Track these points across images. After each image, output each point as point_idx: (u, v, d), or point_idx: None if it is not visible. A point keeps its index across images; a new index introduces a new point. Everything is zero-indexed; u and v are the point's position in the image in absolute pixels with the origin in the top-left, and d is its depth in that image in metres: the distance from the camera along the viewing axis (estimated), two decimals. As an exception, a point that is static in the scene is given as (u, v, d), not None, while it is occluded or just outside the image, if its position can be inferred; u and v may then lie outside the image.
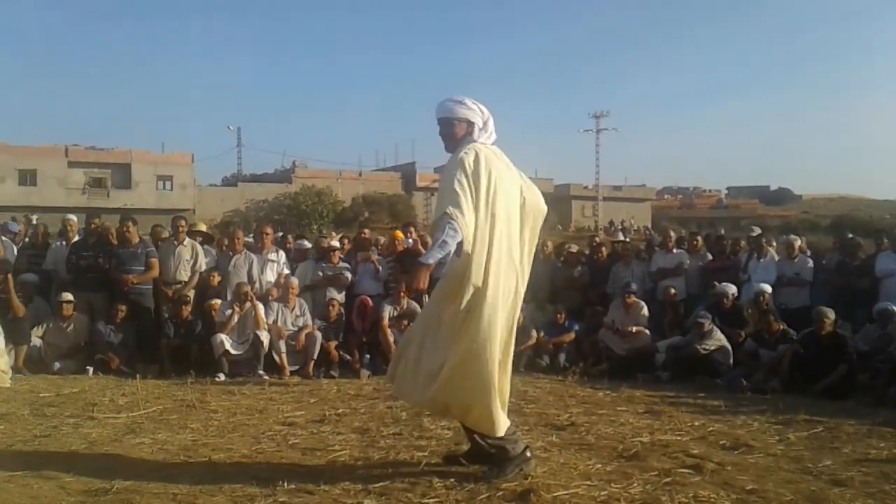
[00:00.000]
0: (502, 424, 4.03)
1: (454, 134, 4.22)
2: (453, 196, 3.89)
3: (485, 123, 4.24)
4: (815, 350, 7.70)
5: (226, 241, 10.38)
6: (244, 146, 60.83)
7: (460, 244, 3.86)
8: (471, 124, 4.21)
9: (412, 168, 57.97)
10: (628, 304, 9.32)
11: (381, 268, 9.83)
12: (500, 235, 4.00)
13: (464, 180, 3.93)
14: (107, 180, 48.30)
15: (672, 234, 11.03)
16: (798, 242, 10.18)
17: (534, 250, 4.33)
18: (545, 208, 4.38)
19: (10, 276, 8.45)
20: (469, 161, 3.99)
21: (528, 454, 4.15)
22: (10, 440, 5.08)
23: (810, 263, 9.80)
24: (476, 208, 3.93)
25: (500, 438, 4.09)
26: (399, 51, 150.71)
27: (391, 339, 8.82)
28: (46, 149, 46.99)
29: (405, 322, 8.94)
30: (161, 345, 8.80)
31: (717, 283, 9.47)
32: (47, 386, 7.39)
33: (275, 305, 8.99)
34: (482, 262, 3.95)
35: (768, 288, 9.06)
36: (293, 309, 9.01)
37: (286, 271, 9.58)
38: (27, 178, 45.03)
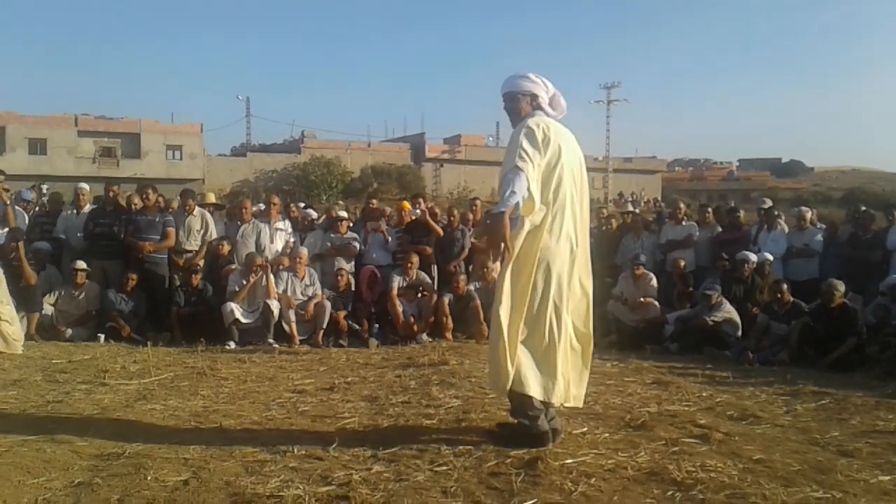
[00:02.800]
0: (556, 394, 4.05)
1: (519, 108, 4.22)
2: (522, 153, 3.88)
3: (551, 98, 4.24)
4: (825, 322, 7.69)
5: (234, 211, 10.39)
6: (253, 116, 60.80)
7: (530, 196, 3.86)
8: (535, 97, 4.21)
9: (421, 139, 57.75)
10: (637, 275, 9.31)
11: (390, 238, 9.84)
12: (560, 208, 4.03)
13: (530, 144, 3.92)
14: (116, 150, 48.34)
15: (682, 205, 10.97)
16: (809, 214, 10.15)
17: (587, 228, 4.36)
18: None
19: (21, 244, 8.49)
20: (537, 129, 3.99)
21: (548, 441, 4.07)
22: (24, 405, 5.14)
23: (820, 235, 9.77)
24: (547, 176, 3.98)
25: (523, 413, 4.11)
26: (409, 23, 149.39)
27: (399, 309, 8.86)
28: (56, 118, 47.01)
29: (414, 292, 8.97)
30: (171, 313, 8.85)
31: (724, 255, 9.47)
32: (59, 353, 7.46)
33: (285, 275, 9.02)
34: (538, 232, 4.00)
35: (769, 257, 9.18)
36: (303, 279, 9.05)
37: (293, 240, 9.62)
38: (37, 147, 45.10)
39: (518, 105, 4.24)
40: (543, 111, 4.20)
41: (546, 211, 4.00)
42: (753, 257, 9.22)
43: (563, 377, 4.08)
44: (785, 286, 8.35)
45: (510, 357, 3.97)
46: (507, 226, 3.82)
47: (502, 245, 3.81)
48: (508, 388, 4.02)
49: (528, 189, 3.82)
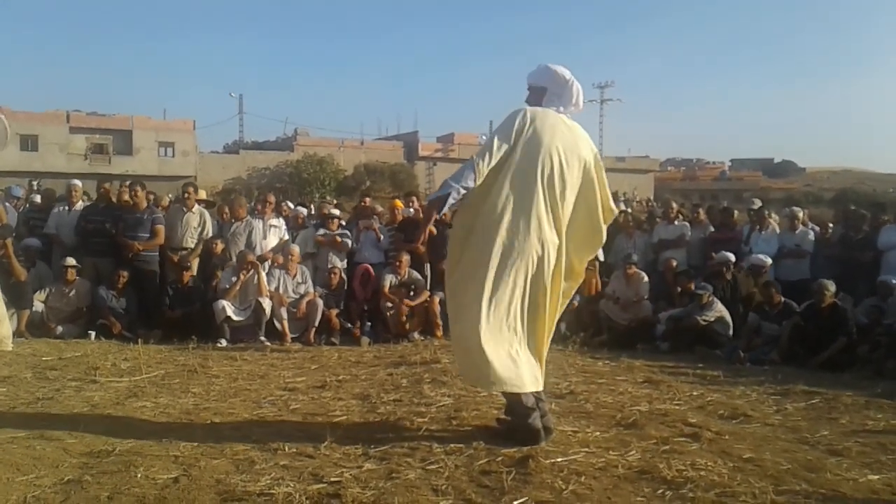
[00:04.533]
0: (492, 381, 4.03)
1: (531, 99, 4.31)
2: (485, 147, 3.99)
3: (562, 90, 4.24)
4: (815, 322, 7.72)
5: (226, 209, 10.35)
6: (246, 113, 60.49)
7: (473, 188, 3.94)
8: (543, 90, 4.25)
9: (414, 137, 57.69)
10: (629, 274, 9.33)
11: (382, 236, 9.83)
12: (524, 198, 4.00)
13: (498, 137, 4.00)
14: (108, 146, 48.07)
15: (674, 205, 11.00)
16: (801, 214, 10.20)
17: (595, 230, 4.37)
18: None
19: (9, 241, 8.44)
20: (514, 119, 4.04)
21: (540, 439, 4.07)
22: (13, 402, 5.11)
23: (811, 235, 9.82)
24: (506, 166, 3.99)
25: (514, 410, 4.13)
26: (403, 21, 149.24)
27: (393, 307, 8.85)
28: (48, 114, 46.72)
29: (405, 291, 8.96)
30: (161, 312, 8.82)
31: (714, 255, 9.52)
32: (50, 350, 7.42)
33: (276, 272, 9.01)
34: (491, 221, 4.00)
35: (768, 260, 9.17)
36: (294, 276, 9.03)
37: (286, 237, 9.61)
38: (29, 143, 44.79)
39: (531, 96, 4.33)
40: (546, 104, 4.23)
41: (509, 202, 4.00)
42: (732, 258, 9.27)
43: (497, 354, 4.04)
44: (774, 288, 8.38)
45: (488, 351, 3.97)
46: (431, 214, 4.06)
47: (423, 232, 4.05)
48: (492, 385, 4.04)
49: (474, 180, 3.92)
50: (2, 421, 4.52)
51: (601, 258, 9.37)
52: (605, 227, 4.45)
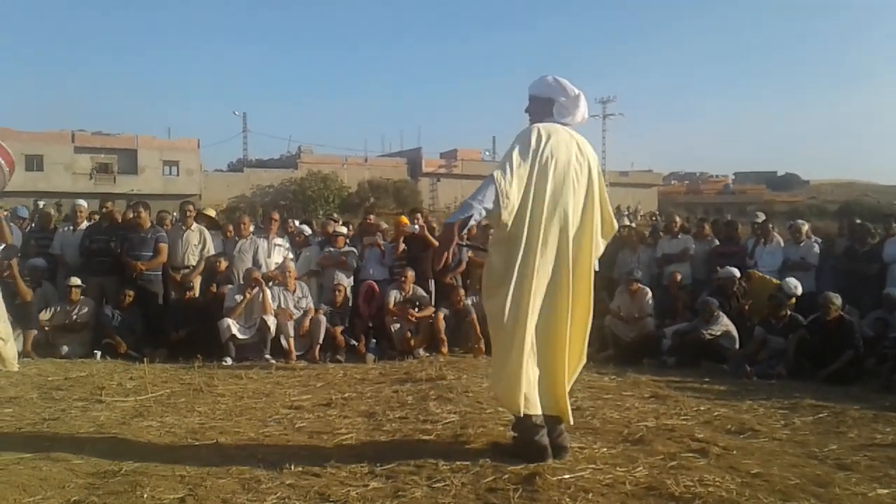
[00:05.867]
0: (517, 404, 4.03)
1: (533, 110, 4.28)
2: (505, 163, 3.94)
3: (571, 103, 4.21)
4: (822, 335, 7.70)
5: (230, 228, 10.39)
6: (250, 132, 60.85)
7: (495, 210, 3.87)
8: (550, 102, 4.22)
9: (418, 154, 57.93)
10: (633, 291, 9.32)
11: (386, 253, 9.84)
12: (544, 220, 3.97)
13: (518, 154, 3.95)
14: (113, 165, 48.36)
15: (677, 219, 11.00)
16: (805, 227, 10.18)
17: (596, 243, 4.28)
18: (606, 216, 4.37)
19: (15, 261, 8.48)
20: (531, 137, 4.00)
21: (547, 456, 4.04)
22: (19, 423, 5.11)
23: (816, 248, 9.81)
24: (528, 186, 3.95)
25: (521, 428, 4.12)
26: (406, 38, 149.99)
27: (397, 326, 8.85)
28: (53, 134, 47.03)
29: (410, 308, 8.97)
30: (166, 331, 8.83)
31: (719, 269, 9.49)
32: (55, 370, 7.43)
33: (275, 290, 9.02)
34: (520, 241, 3.97)
35: (798, 289, 8.77)
36: (294, 292, 9.04)
37: (290, 255, 9.63)
38: (34, 163, 45.03)
39: (532, 107, 4.30)
40: (554, 116, 4.21)
41: (528, 223, 3.97)
42: (737, 273, 9.26)
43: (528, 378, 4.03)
44: (783, 300, 8.36)
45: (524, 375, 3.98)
46: (454, 237, 3.94)
47: (444, 255, 3.98)
48: (521, 409, 4.00)
49: (496, 201, 3.85)
50: (8, 442, 4.52)
51: (596, 268, 9.36)
52: (603, 241, 4.39)
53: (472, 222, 3.92)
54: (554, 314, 4.04)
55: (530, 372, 4.00)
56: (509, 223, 3.95)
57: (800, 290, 8.71)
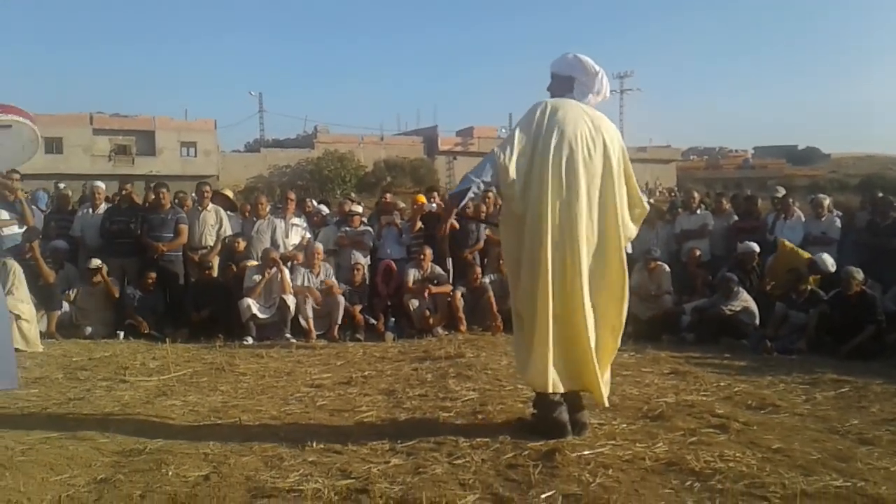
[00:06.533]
0: (537, 381, 4.05)
1: (554, 88, 4.30)
2: (506, 139, 4.01)
3: (591, 80, 4.21)
4: (843, 310, 7.63)
5: (248, 207, 10.45)
6: (266, 112, 60.82)
7: (492, 183, 3.96)
8: (571, 80, 4.22)
9: (434, 132, 57.71)
10: (651, 268, 9.26)
11: (404, 232, 9.85)
12: (550, 196, 3.96)
13: (520, 130, 4.02)
14: (131, 147, 48.61)
15: (696, 195, 10.91)
16: (826, 201, 10.06)
17: (623, 224, 4.22)
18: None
19: (36, 243, 8.57)
20: (535, 113, 4.04)
21: (566, 433, 4.06)
22: (45, 403, 5.19)
23: (837, 222, 9.69)
24: (531, 161, 3.97)
25: (540, 405, 4.14)
26: (420, 16, 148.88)
27: (415, 304, 8.88)
28: (71, 117, 47.25)
29: (428, 286, 8.98)
30: (187, 311, 8.91)
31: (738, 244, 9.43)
32: (80, 350, 7.53)
33: (301, 270, 9.06)
34: (529, 219, 3.99)
35: (832, 266, 8.63)
36: (318, 274, 9.07)
37: (308, 235, 9.66)
38: (53, 146, 45.30)
39: (554, 85, 4.31)
40: (574, 95, 4.20)
41: (535, 199, 3.98)
42: (756, 248, 9.18)
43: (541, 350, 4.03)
44: (803, 274, 8.30)
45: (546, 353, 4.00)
46: (451, 209, 4.13)
47: (444, 224, 4.24)
48: (549, 387, 4.01)
49: (494, 175, 3.94)
50: (35, 421, 4.60)
51: (629, 250, 9.31)
52: (633, 224, 4.33)
53: (470, 194, 4.02)
54: (569, 289, 4.02)
55: (551, 350, 3.99)
56: (515, 197, 3.97)
57: (834, 268, 8.54)
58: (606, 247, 4.12)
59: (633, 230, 4.34)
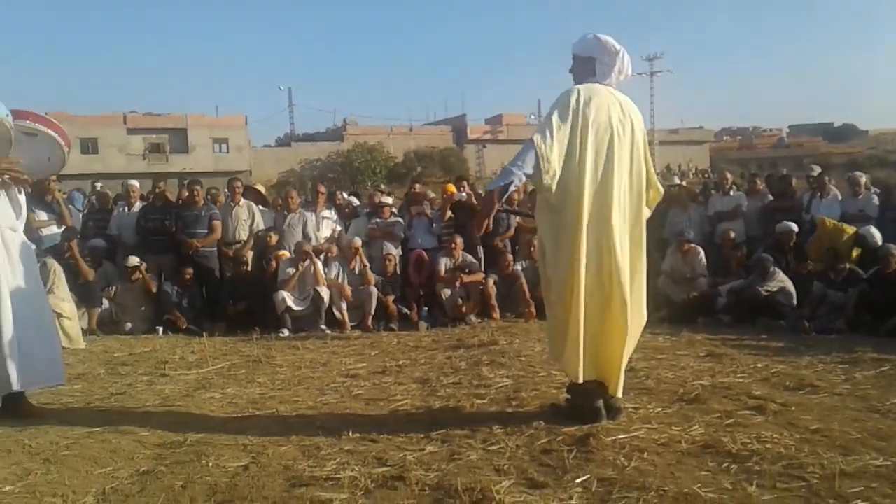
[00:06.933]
0: (570, 370, 4.06)
1: (576, 70, 4.24)
2: (544, 127, 3.90)
3: (613, 61, 4.15)
4: (882, 289, 7.50)
5: (279, 201, 10.55)
6: (295, 106, 61.21)
7: (536, 175, 3.86)
8: (592, 60, 4.17)
9: (462, 120, 57.66)
10: (685, 250, 9.18)
11: (434, 221, 9.87)
12: (587, 184, 3.91)
13: (558, 116, 3.91)
14: (165, 145, 49.32)
15: (728, 176, 10.77)
16: (863, 179, 9.88)
17: (642, 198, 4.16)
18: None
19: (75, 242, 8.75)
20: (569, 98, 3.96)
21: (600, 418, 4.05)
22: (88, 398, 5.31)
23: (875, 199, 9.52)
24: (570, 149, 3.91)
25: (574, 391, 4.14)
26: (449, 3, 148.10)
27: (448, 293, 8.90)
28: (106, 117, 48.09)
29: (460, 274, 9.00)
30: (223, 305, 9.03)
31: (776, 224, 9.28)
32: (120, 346, 7.68)
33: (335, 263, 9.12)
34: (567, 209, 3.94)
35: (878, 236, 8.59)
36: (354, 268, 9.11)
37: (339, 227, 9.73)
38: (89, 146, 46.16)
39: (576, 67, 4.24)
40: (596, 77, 4.15)
41: (573, 189, 3.92)
42: (795, 227, 9.04)
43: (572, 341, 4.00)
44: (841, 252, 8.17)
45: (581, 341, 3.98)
46: (494, 204, 3.92)
47: (485, 222, 3.96)
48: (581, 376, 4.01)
49: (536, 166, 3.82)
50: (78, 416, 4.70)
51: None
52: (647, 209, 4.24)
53: (512, 188, 3.94)
54: (606, 280, 3.98)
55: (586, 338, 3.98)
56: (553, 187, 3.90)
57: (880, 239, 8.45)
58: (635, 233, 4.10)
59: (647, 213, 4.28)
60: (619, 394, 4.16)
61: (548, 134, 3.85)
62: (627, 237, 4.05)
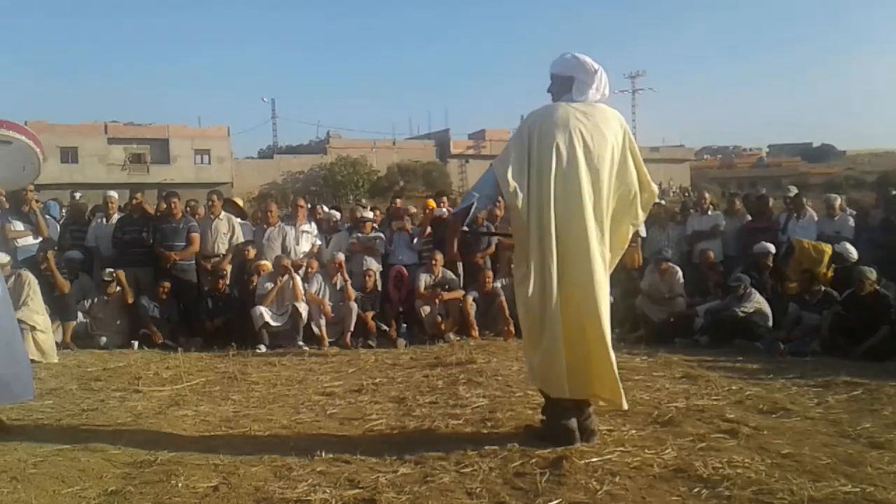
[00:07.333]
0: (552, 387, 4.07)
1: (554, 89, 4.30)
2: (502, 152, 4.06)
3: (591, 79, 4.19)
4: (857, 311, 7.57)
5: (259, 214, 10.51)
6: (279, 118, 61.11)
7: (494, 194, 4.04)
8: (570, 79, 4.22)
9: (446, 135, 57.79)
10: (663, 269, 9.23)
11: (415, 237, 9.87)
12: (554, 202, 3.95)
13: (517, 139, 4.06)
14: (146, 156, 48.98)
15: (707, 195, 10.87)
16: (838, 201, 10.02)
17: (630, 207, 4.21)
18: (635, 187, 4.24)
19: (51, 254, 8.65)
20: (529, 120, 4.08)
21: (574, 440, 4.04)
22: (59, 414, 5.25)
23: (851, 221, 9.64)
24: (531, 169, 3.99)
25: (549, 412, 4.15)
26: (429, 20, 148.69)
27: (427, 310, 8.89)
28: (86, 126, 47.70)
29: (440, 291, 9.00)
30: (202, 324, 8.96)
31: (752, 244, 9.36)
32: (94, 360, 7.60)
33: (318, 277, 9.09)
34: (534, 226, 4.00)
35: (853, 254, 8.68)
36: (336, 283, 9.08)
37: (319, 242, 9.70)
38: (69, 155, 45.74)
39: (552, 86, 4.31)
40: (573, 95, 4.19)
41: (538, 207, 3.98)
42: (772, 248, 9.12)
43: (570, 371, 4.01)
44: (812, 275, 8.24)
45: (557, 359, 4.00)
46: (456, 228, 4.23)
47: (452, 245, 4.31)
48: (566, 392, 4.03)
49: (494, 187, 4.01)
50: (48, 433, 4.65)
51: (643, 234, 9.26)
52: (642, 208, 4.28)
53: (473, 211, 4.12)
54: (580, 295, 3.99)
55: (561, 356, 3.98)
56: (518, 204, 3.98)
57: (856, 256, 8.57)
58: (614, 241, 4.17)
59: (641, 216, 4.32)
60: (625, 405, 4.18)
61: (505, 155, 4.04)
62: (604, 244, 4.07)
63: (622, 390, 4.12)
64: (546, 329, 3.99)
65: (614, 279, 4.27)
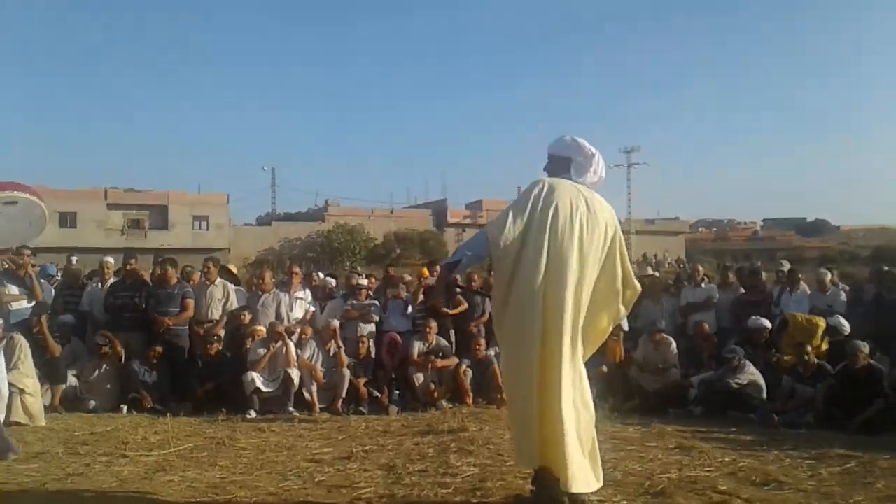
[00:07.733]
0: (523, 459, 4.03)
1: (551, 169, 4.39)
2: (497, 219, 4.14)
3: (589, 162, 4.31)
4: (850, 384, 7.56)
5: (255, 281, 10.55)
6: (278, 186, 61.73)
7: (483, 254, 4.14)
8: (568, 161, 4.33)
9: (443, 204, 58.41)
10: (656, 340, 9.24)
11: (409, 304, 9.90)
12: (543, 273, 3.97)
13: (513, 209, 4.12)
14: (145, 221, 49.35)
15: (700, 268, 10.96)
16: (828, 276, 10.11)
17: (613, 301, 4.24)
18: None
19: (44, 318, 8.64)
20: (531, 190, 4.15)
21: None
22: (44, 479, 5.16)
23: (843, 296, 9.71)
24: (525, 238, 4.03)
25: (537, 482, 4.10)
26: (427, 90, 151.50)
27: (420, 377, 8.86)
28: (86, 192, 48.17)
29: (433, 358, 8.98)
30: (193, 389, 8.89)
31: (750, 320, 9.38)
32: (82, 424, 7.51)
33: (312, 343, 9.07)
34: (506, 294, 4.06)
35: (846, 327, 8.79)
36: (329, 350, 9.06)
37: (313, 309, 9.72)
38: (67, 220, 46.04)
39: (551, 167, 4.39)
40: (571, 176, 4.27)
41: (526, 277, 4.00)
42: (767, 323, 9.15)
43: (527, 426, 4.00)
44: (809, 348, 8.25)
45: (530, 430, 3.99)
46: (444, 278, 4.33)
47: (438, 296, 4.45)
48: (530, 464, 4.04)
49: (484, 247, 4.12)
50: (31, 499, 4.59)
51: (625, 328, 9.27)
52: (623, 304, 4.29)
53: (461, 266, 4.21)
54: (548, 361, 3.98)
55: (535, 427, 3.96)
56: (505, 274, 4.04)
57: (848, 328, 8.66)
58: (589, 331, 4.18)
59: (623, 312, 4.34)
60: (574, 489, 3.95)
61: (499, 220, 4.10)
62: (577, 327, 4.05)
63: (577, 472, 3.95)
64: (516, 401, 4.04)
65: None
